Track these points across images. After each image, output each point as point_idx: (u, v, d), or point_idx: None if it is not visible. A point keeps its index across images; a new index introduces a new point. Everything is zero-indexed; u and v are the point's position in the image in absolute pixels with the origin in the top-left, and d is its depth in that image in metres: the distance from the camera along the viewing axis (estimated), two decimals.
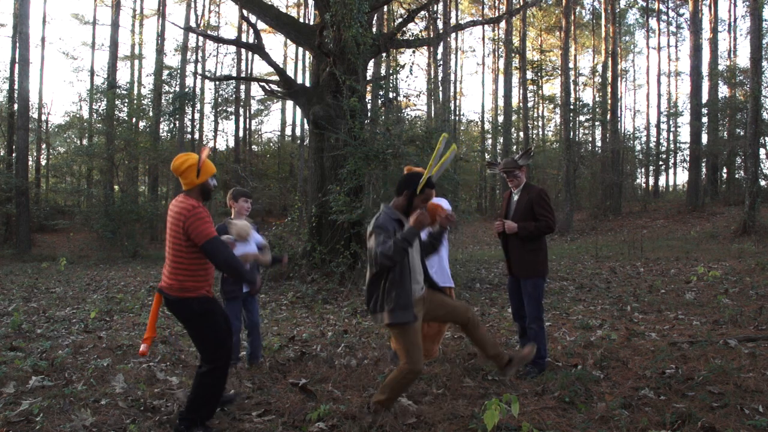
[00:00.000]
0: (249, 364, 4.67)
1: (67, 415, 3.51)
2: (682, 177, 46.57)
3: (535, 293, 4.35)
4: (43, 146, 29.01)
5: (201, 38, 28.16)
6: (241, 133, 30.72)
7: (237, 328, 4.56)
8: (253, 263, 4.34)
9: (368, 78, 10.99)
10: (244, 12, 11.70)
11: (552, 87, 36.72)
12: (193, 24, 26.90)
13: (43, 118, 28.71)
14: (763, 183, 19.17)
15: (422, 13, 12.04)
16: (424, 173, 3.40)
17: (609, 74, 25.54)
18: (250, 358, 4.71)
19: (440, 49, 25.33)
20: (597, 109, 28.04)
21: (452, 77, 31.59)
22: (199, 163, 3.33)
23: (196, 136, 29.30)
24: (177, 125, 24.51)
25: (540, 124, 37.29)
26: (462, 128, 35.08)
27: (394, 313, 3.25)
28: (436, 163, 3.45)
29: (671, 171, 37.49)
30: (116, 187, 20.22)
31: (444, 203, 4.60)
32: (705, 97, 24.75)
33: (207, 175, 3.36)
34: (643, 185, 32.81)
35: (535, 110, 36.35)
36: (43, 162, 29.24)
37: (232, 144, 31.13)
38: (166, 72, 24.87)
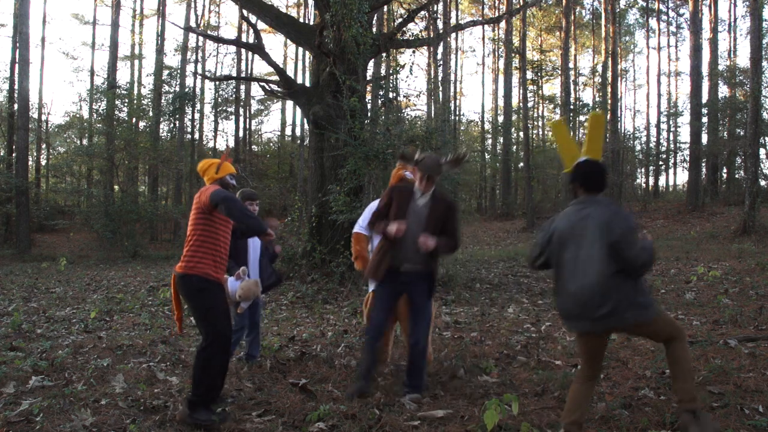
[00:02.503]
0: (246, 362, 4.68)
1: (67, 415, 3.51)
2: (682, 177, 46.47)
3: (430, 312, 4.02)
4: (43, 146, 29.00)
5: (201, 38, 28.16)
6: (241, 133, 30.73)
7: (243, 325, 4.59)
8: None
9: (368, 78, 10.97)
10: (244, 12, 11.69)
11: (552, 87, 36.73)
12: (193, 24, 26.89)
13: (43, 118, 28.73)
14: (763, 183, 19.15)
15: (422, 13, 12.03)
16: (593, 156, 3.12)
17: (609, 74, 25.53)
18: (246, 357, 4.72)
19: (440, 49, 25.33)
20: (597, 109, 28.04)
21: (452, 77, 31.59)
22: (221, 162, 3.72)
23: (196, 136, 29.31)
24: (177, 125, 24.50)
25: (540, 124, 37.27)
26: (462, 128, 35.06)
27: (653, 305, 2.95)
28: (593, 142, 3.18)
29: (671, 171, 37.40)
30: (116, 187, 20.22)
31: None
32: (705, 97, 24.73)
33: (225, 172, 3.71)
34: (643, 185, 32.80)
35: (535, 110, 36.31)
36: (43, 162, 29.25)
37: (232, 144, 31.11)
38: (166, 72, 24.84)
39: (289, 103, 30.74)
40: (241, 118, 31.00)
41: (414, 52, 16.67)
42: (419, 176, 3.85)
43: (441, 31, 13.75)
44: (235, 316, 4.50)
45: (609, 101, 25.71)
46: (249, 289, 4.27)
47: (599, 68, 29.42)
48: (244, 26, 26.80)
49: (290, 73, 26.46)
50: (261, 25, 17.38)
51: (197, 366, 3.40)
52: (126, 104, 20.66)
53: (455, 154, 3.99)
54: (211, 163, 3.73)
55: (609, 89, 25.64)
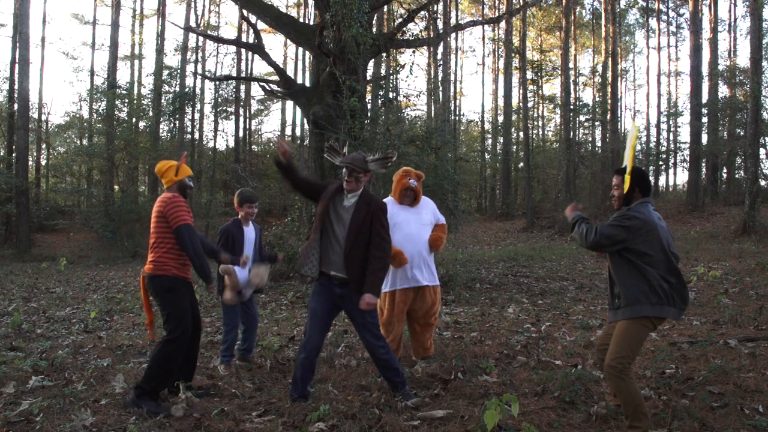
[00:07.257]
0: (240, 356, 4.70)
1: (67, 415, 3.51)
2: (682, 177, 46.43)
3: (376, 320, 3.85)
4: (43, 146, 29.00)
5: (201, 38, 28.13)
6: (241, 133, 30.71)
7: (235, 324, 4.59)
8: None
9: (368, 78, 10.98)
10: (244, 12, 11.70)
11: (552, 87, 36.72)
12: (193, 24, 26.87)
13: (43, 118, 28.74)
14: (763, 183, 19.11)
15: (422, 13, 12.04)
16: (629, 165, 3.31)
17: (609, 74, 25.52)
18: (242, 351, 4.74)
19: (440, 49, 25.30)
20: (597, 109, 28.04)
21: (452, 77, 31.56)
22: (179, 164, 3.85)
23: (196, 136, 29.29)
24: (177, 125, 24.50)
25: (540, 124, 37.26)
26: (462, 128, 35.05)
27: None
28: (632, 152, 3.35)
29: (671, 171, 37.31)
30: (116, 187, 20.22)
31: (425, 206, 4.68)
32: (705, 97, 24.72)
33: (184, 175, 3.85)
34: None
35: (535, 110, 36.30)
36: (43, 162, 29.25)
37: (232, 144, 31.12)
38: (166, 72, 24.83)
39: (289, 103, 30.75)
40: (241, 118, 30.99)
41: (414, 52, 16.66)
42: (343, 172, 3.70)
43: (441, 31, 13.74)
44: (229, 311, 4.51)
45: (609, 101, 25.70)
46: (260, 274, 4.40)
47: (599, 68, 29.40)
48: (244, 26, 26.79)
49: (290, 73, 26.45)
50: (261, 25, 17.39)
51: (156, 357, 3.61)
52: (126, 104, 20.66)
53: (384, 154, 3.86)
54: (169, 165, 3.82)
55: (609, 89, 25.63)
